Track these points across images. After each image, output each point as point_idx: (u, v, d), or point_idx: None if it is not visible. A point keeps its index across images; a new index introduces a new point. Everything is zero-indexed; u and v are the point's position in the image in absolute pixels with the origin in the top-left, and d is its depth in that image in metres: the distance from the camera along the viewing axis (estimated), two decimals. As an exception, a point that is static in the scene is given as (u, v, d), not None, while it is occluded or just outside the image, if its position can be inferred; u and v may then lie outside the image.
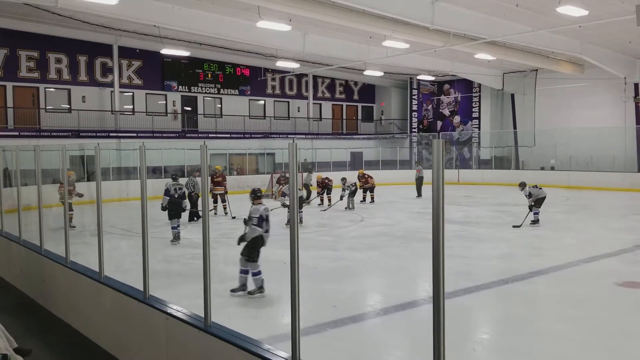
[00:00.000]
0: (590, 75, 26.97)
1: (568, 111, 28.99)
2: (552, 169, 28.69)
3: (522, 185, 14.00)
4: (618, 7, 15.90)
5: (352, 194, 18.19)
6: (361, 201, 19.68)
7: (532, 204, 13.73)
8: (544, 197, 13.92)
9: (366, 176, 20.27)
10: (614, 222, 15.06)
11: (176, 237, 11.53)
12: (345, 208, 18.01)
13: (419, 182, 22.12)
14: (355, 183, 18.58)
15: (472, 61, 26.94)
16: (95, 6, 16.86)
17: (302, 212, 14.76)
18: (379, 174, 27.89)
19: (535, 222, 13.78)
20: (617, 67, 25.16)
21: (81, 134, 24.25)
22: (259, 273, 7.50)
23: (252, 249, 7.47)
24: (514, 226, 13.68)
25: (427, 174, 21.25)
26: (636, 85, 26.56)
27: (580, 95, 28.41)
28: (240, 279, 7.61)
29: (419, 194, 21.74)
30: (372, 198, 20.18)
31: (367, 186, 20.09)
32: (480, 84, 33.12)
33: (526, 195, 13.85)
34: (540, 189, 13.96)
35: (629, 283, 8.20)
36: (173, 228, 11.62)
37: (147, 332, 5.14)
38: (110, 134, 25.30)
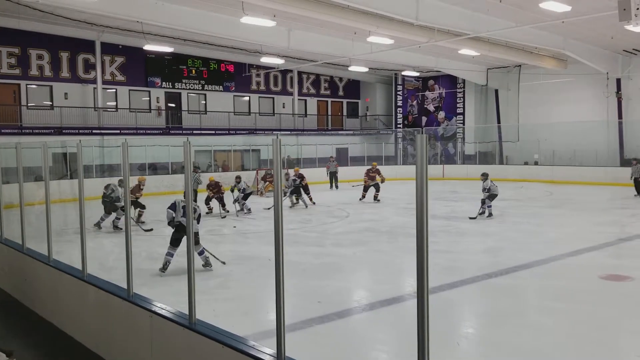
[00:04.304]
0: (573, 70, 27.23)
1: (551, 106, 29.26)
2: (536, 163, 28.93)
3: (485, 176, 14.49)
4: (600, 3, 16.04)
5: (295, 191, 17.26)
6: (360, 199, 18.74)
7: (486, 197, 14.24)
8: (496, 195, 14.44)
9: (376, 171, 18.99)
10: (597, 216, 15.22)
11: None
12: (290, 207, 17.13)
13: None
14: (296, 179, 17.54)
15: (456, 57, 27.04)
16: (77, 2, 16.66)
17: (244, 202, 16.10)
18: (365, 170, 27.92)
19: (490, 215, 14.31)
20: (600, 62, 25.42)
21: (64, 131, 23.95)
22: None
23: None
24: (470, 217, 14.13)
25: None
26: (618, 80, 26.86)
27: (563, 91, 28.66)
28: None
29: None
30: (375, 197, 18.68)
31: (372, 183, 18.75)
32: (464, 80, 33.29)
33: (485, 188, 14.29)
34: (496, 186, 14.48)
35: (612, 276, 8.29)
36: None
37: (131, 330, 5.10)
38: (93, 131, 25.06)
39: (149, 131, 26.71)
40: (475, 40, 21.15)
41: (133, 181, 15.77)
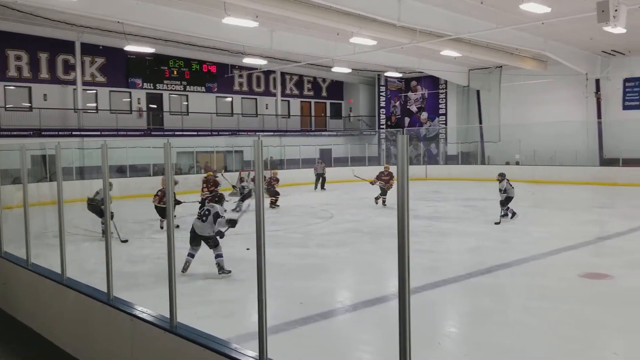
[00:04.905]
0: (553, 71, 27.54)
1: (532, 107, 29.57)
2: (517, 163, 29.20)
3: (502, 177, 13.73)
4: (580, 4, 16.23)
5: (246, 196, 16.08)
6: (382, 203, 17.36)
7: (503, 199, 13.58)
8: (512, 197, 13.72)
9: (390, 174, 17.55)
10: (577, 215, 15.41)
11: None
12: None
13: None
14: (244, 184, 16.83)
15: (438, 58, 27.21)
16: (57, 2, 16.46)
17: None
18: (348, 171, 27.94)
19: (505, 215, 13.67)
20: (579, 63, 25.76)
21: (43, 132, 23.65)
22: None
23: None
24: (496, 223, 13.32)
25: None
26: (597, 81, 27.24)
27: (543, 91, 28.98)
28: None
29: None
30: (384, 201, 17.38)
31: (387, 188, 17.29)
32: (446, 81, 33.52)
33: (501, 189, 13.62)
34: (512, 188, 13.80)
35: (591, 274, 8.39)
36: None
37: (111, 334, 5.03)
38: (73, 133, 24.76)
39: (129, 132, 26.48)
40: (456, 41, 21.31)
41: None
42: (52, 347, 5.87)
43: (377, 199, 17.56)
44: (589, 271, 8.56)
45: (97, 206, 12.00)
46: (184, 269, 8.51)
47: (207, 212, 8.57)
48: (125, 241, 11.86)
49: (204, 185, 15.46)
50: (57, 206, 5.99)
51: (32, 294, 6.67)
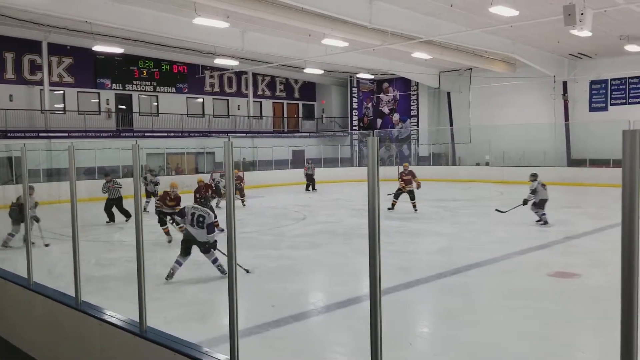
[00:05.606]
0: (521, 73, 28.02)
1: (501, 108, 30.02)
2: (487, 164, 29.61)
3: (534, 177, 13.34)
4: (547, 8, 16.54)
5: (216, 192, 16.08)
6: (389, 209, 16.00)
7: (531, 200, 13.17)
8: (546, 200, 13.22)
9: (410, 173, 16.24)
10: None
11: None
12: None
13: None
14: (217, 180, 16.80)
15: (409, 60, 27.43)
16: (23, 1, 16.10)
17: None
18: (321, 172, 27.99)
19: (545, 222, 13.10)
20: (547, 66, 26.25)
21: (9, 134, 23.13)
22: None
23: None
24: (496, 210, 13.41)
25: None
26: (565, 83, 27.79)
27: (512, 93, 29.45)
28: None
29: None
30: (414, 206, 16.09)
31: (408, 189, 16.10)
32: (417, 83, 33.82)
33: (531, 189, 13.22)
34: (546, 190, 13.21)
35: (559, 273, 8.54)
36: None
37: (80, 339, 4.93)
38: (40, 134, 24.25)
39: (98, 134, 26.06)
40: (427, 43, 21.52)
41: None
42: (19, 354, 5.73)
43: (414, 207, 16.13)
44: (557, 270, 8.72)
45: (17, 211, 11.15)
46: (169, 276, 8.22)
47: (201, 219, 8.23)
48: (47, 245, 11.12)
49: (197, 194, 14.99)
50: (24, 209, 5.85)
51: (-4, 300, 6.50)
